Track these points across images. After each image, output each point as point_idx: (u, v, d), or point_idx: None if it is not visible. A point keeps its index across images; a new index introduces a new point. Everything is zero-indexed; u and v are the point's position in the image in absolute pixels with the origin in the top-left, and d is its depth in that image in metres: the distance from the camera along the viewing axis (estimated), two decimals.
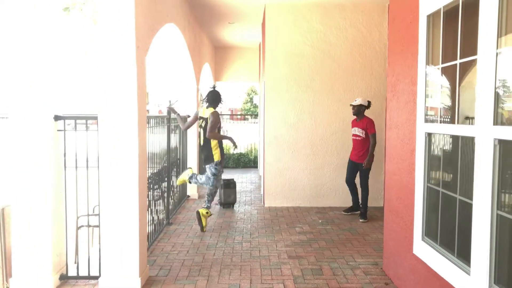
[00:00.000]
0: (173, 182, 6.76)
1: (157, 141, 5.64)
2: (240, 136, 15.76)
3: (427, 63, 3.42)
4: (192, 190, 8.20)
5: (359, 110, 6.44)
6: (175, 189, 6.98)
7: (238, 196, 8.22)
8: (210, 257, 4.80)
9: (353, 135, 6.56)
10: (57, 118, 3.93)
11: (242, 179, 10.56)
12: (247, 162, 13.03)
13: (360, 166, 6.48)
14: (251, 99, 51.08)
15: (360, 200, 6.65)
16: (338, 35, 7.27)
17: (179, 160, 7.36)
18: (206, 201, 5.96)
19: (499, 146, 2.42)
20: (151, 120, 5.23)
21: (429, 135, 3.42)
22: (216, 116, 5.76)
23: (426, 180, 3.45)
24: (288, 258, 4.77)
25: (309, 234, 5.74)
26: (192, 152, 8.20)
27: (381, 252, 4.86)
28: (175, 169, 7.03)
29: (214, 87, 6.01)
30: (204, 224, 5.76)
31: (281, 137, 7.37)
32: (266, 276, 4.24)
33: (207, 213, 5.81)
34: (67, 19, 3.88)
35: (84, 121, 4.16)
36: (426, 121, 3.45)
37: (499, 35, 2.40)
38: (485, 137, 2.50)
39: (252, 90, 51.88)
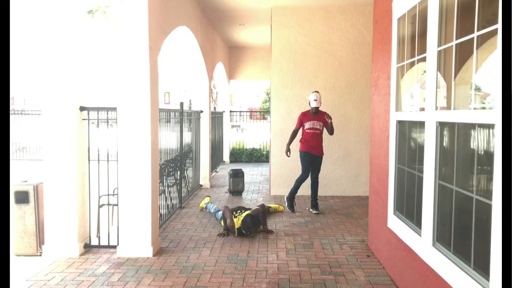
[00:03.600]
0: (186, 171, 7.39)
1: (171, 132, 6.28)
2: (256, 133, 16.42)
3: (398, 60, 3.94)
4: (204, 180, 8.83)
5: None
6: (188, 178, 7.63)
7: (247, 186, 8.79)
8: (215, 233, 5.40)
9: (311, 129, 6.51)
10: (82, 108, 4.60)
11: (253, 172, 11.14)
12: (260, 156, 13.61)
13: (319, 159, 6.70)
14: (270, 98, 51.54)
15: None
16: (340, 36, 7.78)
17: (191, 152, 8.00)
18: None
19: (440, 127, 2.94)
20: (162, 113, 5.87)
21: (399, 122, 3.93)
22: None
23: (397, 162, 3.97)
24: (284, 235, 5.33)
25: (307, 217, 6.28)
26: (204, 146, 8.84)
27: None
28: (188, 160, 7.68)
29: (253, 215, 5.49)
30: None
31: (286, 130, 7.90)
32: (262, 249, 4.82)
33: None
34: (90, 21, 4.49)
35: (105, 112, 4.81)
36: (397, 110, 3.97)
37: (439, 39, 2.92)
38: (431, 120, 3.02)
39: None
